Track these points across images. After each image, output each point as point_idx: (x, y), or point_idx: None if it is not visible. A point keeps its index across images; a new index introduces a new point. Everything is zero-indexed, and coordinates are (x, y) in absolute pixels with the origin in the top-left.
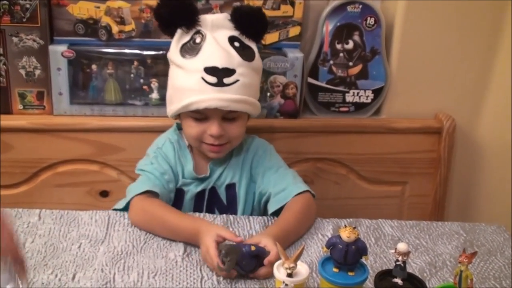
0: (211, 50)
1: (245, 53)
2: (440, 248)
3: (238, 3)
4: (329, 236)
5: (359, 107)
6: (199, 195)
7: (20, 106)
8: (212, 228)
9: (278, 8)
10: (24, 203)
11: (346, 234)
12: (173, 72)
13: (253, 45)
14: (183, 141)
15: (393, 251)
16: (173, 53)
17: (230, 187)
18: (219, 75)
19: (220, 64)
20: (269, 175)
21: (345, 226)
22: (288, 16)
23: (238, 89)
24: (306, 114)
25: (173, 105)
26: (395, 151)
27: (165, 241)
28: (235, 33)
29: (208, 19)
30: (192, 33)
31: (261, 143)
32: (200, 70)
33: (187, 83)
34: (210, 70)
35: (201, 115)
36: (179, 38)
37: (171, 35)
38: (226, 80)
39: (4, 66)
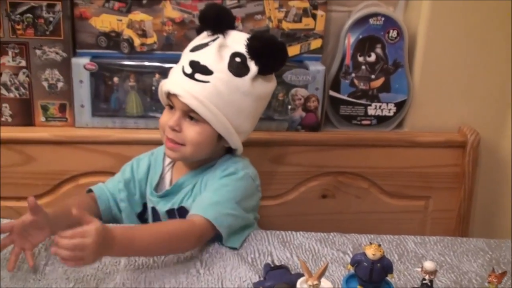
0: (207, 50)
1: (237, 68)
2: (465, 265)
3: (260, 31)
4: (349, 253)
5: (381, 120)
6: (170, 214)
7: (43, 118)
8: None
9: (300, 21)
10: None
11: (371, 252)
12: None
13: (253, 68)
14: (162, 157)
15: (419, 269)
16: (186, 48)
17: None
18: (196, 69)
19: (202, 61)
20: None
21: (370, 243)
22: (310, 28)
23: (204, 90)
24: (327, 127)
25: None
26: (418, 165)
27: (186, 255)
28: (245, 52)
29: (233, 34)
30: (213, 38)
31: (230, 165)
32: (187, 61)
33: (173, 69)
34: (191, 63)
35: (170, 102)
36: (201, 39)
37: (199, 33)
38: (197, 76)
39: (27, 79)
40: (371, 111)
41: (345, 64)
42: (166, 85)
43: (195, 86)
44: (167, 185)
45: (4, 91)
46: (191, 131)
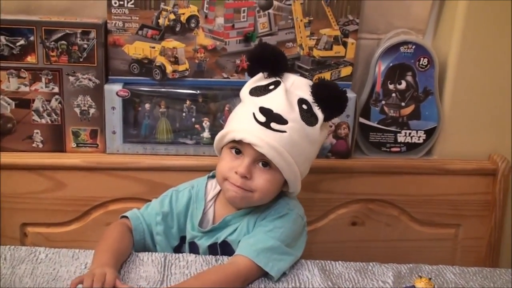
0: (276, 97)
1: (307, 116)
2: None
3: (321, 78)
4: (390, 282)
5: (411, 147)
6: (212, 249)
7: (74, 144)
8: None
9: (331, 49)
10: (76, 241)
11: (422, 285)
12: (236, 107)
13: (320, 116)
14: (204, 192)
15: None
16: (244, 89)
17: None
18: (270, 118)
19: (275, 109)
20: (256, 229)
21: (420, 276)
22: (340, 56)
23: (281, 139)
24: (356, 154)
25: (219, 134)
26: (448, 193)
27: None
28: (309, 98)
29: (291, 78)
30: (270, 81)
31: (283, 206)
32: (256, 107)
33: (238, 114)
34: (263, 110)
35: (237, 149)
36: (257, 80)
37: (253, 75)
38: (273, 125)
39: (59, 105)
40: (400, 138)
41: (376, 92)
42: (236, 133)
43: (272, 136)
44: (210, 221)
45: (36, 117)
46: (261, 179)
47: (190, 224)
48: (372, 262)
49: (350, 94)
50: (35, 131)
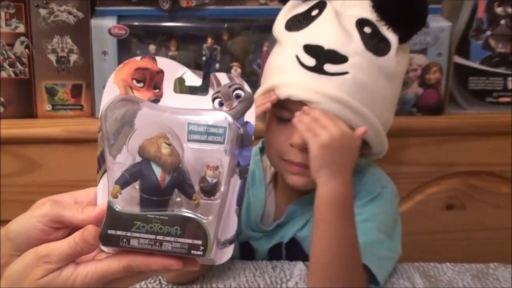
0: (323, 25)
1: (374, 43)
2: None
3: None
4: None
5: None
6: (274, 252)
7: (48, 107)
8: None
9: None
10: None
11: None
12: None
13: (392, 39)
14: (261, 171)
15: None
16: (277, 24)
17: None
18: (321, 58)
19: (327, 44)
20: None
21: None
22: None
23: (343, 84)
24: (450, 108)
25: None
26: None
27: None
28: (371, 16)
29: None
30: (311, 4)
31: (373, 183)
32: (299, 46)
33: (277, 61)
34: (310, 49)
35: (286, 112)
36: (291, 8)
37: (286, 1)
38: (328, 67)
39: (26, 50)
40: None
41: (477, 18)
42: (279, 90)
43: (328, 83)
44: (271, 213)
45: None
46: None
47: (246, 219)
48: (493, 263)
49: (442, 23)
50: None
